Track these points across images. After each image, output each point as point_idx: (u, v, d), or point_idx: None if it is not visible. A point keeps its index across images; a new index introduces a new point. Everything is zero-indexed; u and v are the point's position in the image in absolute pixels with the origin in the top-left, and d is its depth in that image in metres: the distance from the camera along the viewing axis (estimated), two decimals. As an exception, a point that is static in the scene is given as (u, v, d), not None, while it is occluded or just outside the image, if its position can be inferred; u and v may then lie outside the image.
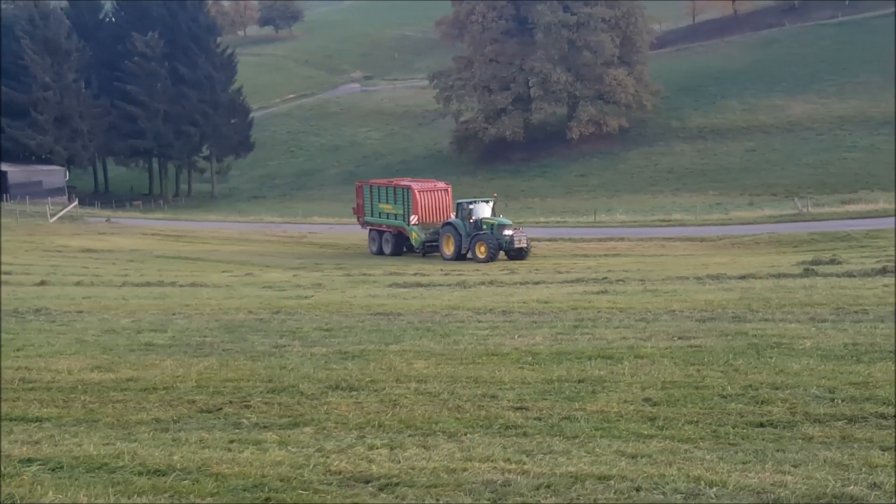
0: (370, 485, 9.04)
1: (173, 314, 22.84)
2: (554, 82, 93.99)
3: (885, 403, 11.17)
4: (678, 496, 8.36)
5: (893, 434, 9.94)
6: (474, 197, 50.81)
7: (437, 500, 8.55)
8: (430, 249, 48.41)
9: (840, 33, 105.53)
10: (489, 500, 8.50)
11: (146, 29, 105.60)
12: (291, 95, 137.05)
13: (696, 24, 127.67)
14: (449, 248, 46.23)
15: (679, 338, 16.44)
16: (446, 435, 10.72)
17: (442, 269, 38.03)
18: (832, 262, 30.80)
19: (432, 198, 49.78)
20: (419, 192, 49.34)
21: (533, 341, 16.75)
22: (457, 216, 46.97)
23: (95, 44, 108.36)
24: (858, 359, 13.79)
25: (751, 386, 12.33)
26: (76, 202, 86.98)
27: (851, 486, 8.37)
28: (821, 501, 8.08)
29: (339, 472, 9.36)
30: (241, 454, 10.13)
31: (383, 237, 50.58)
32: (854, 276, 25.87)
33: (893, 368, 12.98)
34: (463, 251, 45.20)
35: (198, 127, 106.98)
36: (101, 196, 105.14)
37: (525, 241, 44.65)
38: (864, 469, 8.89)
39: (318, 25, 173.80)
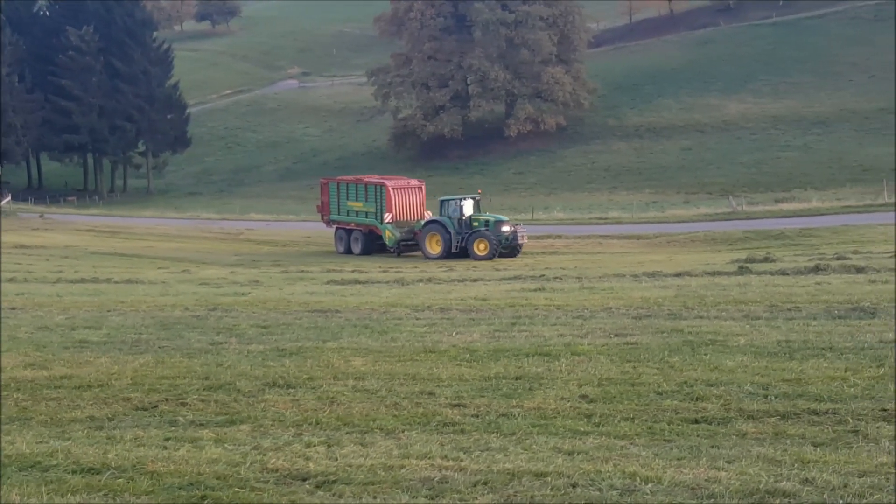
0: (307, 482, 9.00)
1: (108, 311, 22.60)
2: (492, 80, 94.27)
3: (817, 400, 11.33)
4: (614, 492, 8.41)
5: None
6: (452, 195, 49.45)
7: (374, 497, 8.54)
8: (405, 249, 46.99)
9: (774, 34, 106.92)
10: (426, 497, 8.51)
11: (81, 23, 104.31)
12: (228, 91, 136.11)
13: (633, 24, 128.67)
14: (434, 247, 44.58)
15: (615, 335, 16.56)
16: (384, 432, 10.71)
17: (380, 267, 38.01)
18: (766, 260, 31.20)
19: (406, 195, 48.56)
20: (393, 189, 47.96)
21: (471, 338, 16.79)
22: (441, 213, 45.39)
23: (29, 38, 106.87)
24: (791, 356, 13.97)
25: (686, 383, 12.45)
26: (9, 198, 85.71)
27: (784, 482, 8.48)
28: (754, 497, 8.17)
29: (276, 470, 9.32)
30: (177, 452, 10.04)
31: (352, 236, 48.91)
32: (787, 273, 26.22)
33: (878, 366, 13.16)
34: (454, 249, 43.88)
35: (133, 122, 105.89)
36: (35, 192, 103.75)
37: (525, 238, 44.38)
38: (796, 465, 9.01)
39: (256, 21, 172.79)
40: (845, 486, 8.34)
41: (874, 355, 13.66)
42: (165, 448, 10.26)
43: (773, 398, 11.52)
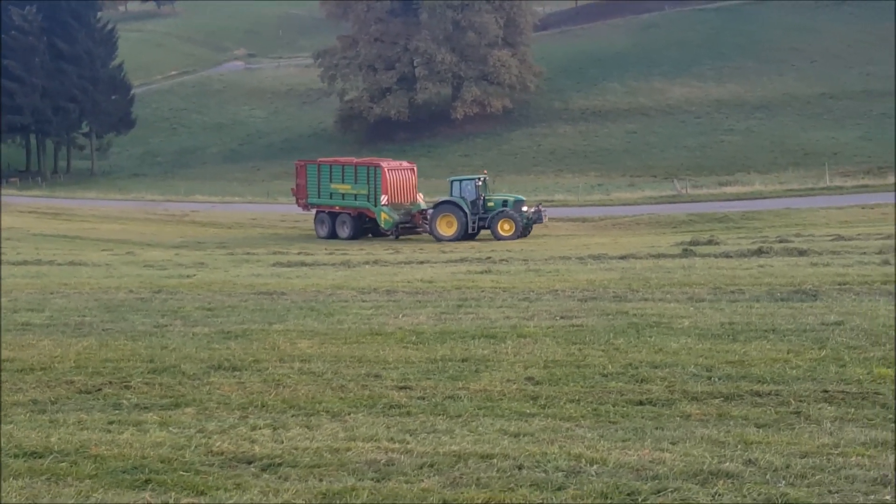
0: (252, 465, 8.97)
1: (51, 293, 22.33)
2: (438, 62, 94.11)
3: (759, 381, 11.45)
4: (559, 474, 8.45)
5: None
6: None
7: (320, 480, 8.52)
8: (403, 231, 46.42)
9: (717, 18, 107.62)
10: (372, 479, 8.50)
11: (24, 3, 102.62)
12: (173, 72, 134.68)
13: (579, 7, 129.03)
14: (448, 229, 44.09)
15: (561, 317, 16.64)
16: (330, 415, 10.69)
17: (326, 249, 37.89)
18: (710, 242, 31.48)
19: (400, 177, 47.66)
20: (388, 170, 47.02)
21: (417, 321, 16.79)
22: (452, 193, 44.93)
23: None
24: (735, 338, 14.11)
25: (631, 364, 12.54)
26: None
27: (727, 463, 8.57)
28: (697, 478, 8.25)
29: (221, 453, 9.27)
30: (121, 435, 9.96)
31: (338, 219, 47.62)
32: (731, 256, 26.48)
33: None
34: (471, 230, 43.79)
35: (77, 103, 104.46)
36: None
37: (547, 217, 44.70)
38: (739, 446, 9.10)
39: (201, 2, 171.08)
40: (787, 466, 8.44)
41: (816, 337, 13.83)
42: (109, 432, 10.17)
43: (716, 380, 11.63)
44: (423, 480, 8.41)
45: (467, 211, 43.82)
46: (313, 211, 49.28)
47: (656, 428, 9.81)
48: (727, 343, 13.76)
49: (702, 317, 16.05)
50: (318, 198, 48.33)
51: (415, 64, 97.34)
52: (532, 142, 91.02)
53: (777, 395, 10.86)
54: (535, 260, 28.63)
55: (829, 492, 7.86)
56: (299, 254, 34.44)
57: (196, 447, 9.49)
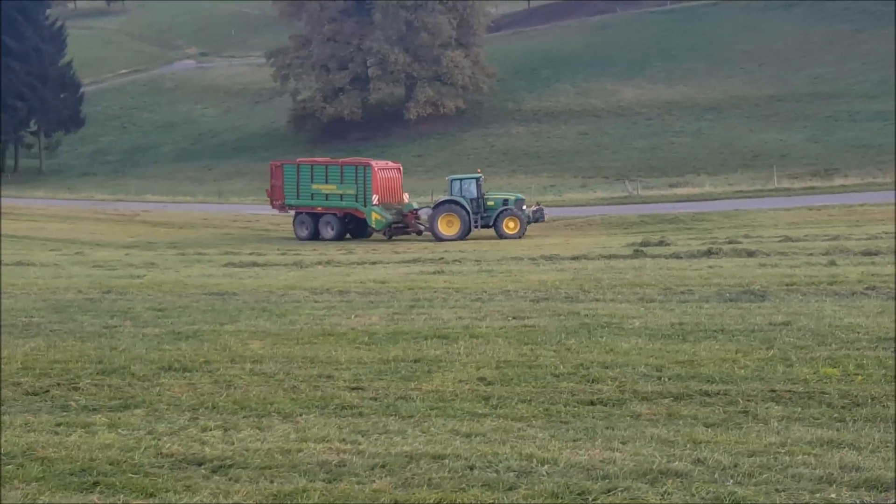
0: (203, 467, 8.93)
1: (-3, 294, 22.09)
2: (392, 63, 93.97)
3: (708, 381, 11.56)
4: (511, 474, 8.49)
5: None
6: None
7: (272, 481, 8.50)
8: (395, 231, 45.94)
9: (668, 21, 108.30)
10: (324, 480, 8.50)
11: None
12: (124, 70, 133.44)
13: (532, 9, 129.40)
14: (449, 228, 43.89)
15: (513, 317, 16.71)
16: (281, 416, 10.67)
17: (279, 249, 37.75)
18: (660, 243, 31.68)
19: (388, 176, 47.15)
20: (379, 169, 46.45)
21: (369, 321, 16.80)
22: (452, 193, 44.83)
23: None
24: (684, 338, 14.24)
25: (582, 365, 12.61)
26: None
27: (677, 462, 8.65)
28: (647, 477, 8.32)
29: (171, 455, 9.23)
30: (69, 438, 9.88)
31: (321, 220, 46.37)
32: (681, 257, 26.69)
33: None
34: (473, 228, 44.09)
35: (25, 101, 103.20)
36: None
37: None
38: (688, 445, 9.19)
39: (152, 0, 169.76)
40: (735, 465, 8.53)
41: (764, 337, 13.99)
42: (57, 433, 10.09)
43: (666, 380, 11.73)
44: (374, 481, 8.42)
45: (469, 210, 44.01)
46: (290, 213, 48.28)
47: (607, 428, 9.88)
48: (677, 343, 13.88)
49: (652, 317, 16.18)
50: (298, 199, 47.13)
51: (368, 64, 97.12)
52: (485, 142, 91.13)
53: (725, 394, 10.98)
54: (487, 260, 28.70)
55: (777, 490, 7.95)
56: (251, 254, 34.29)
57: (145, 449, 9.44)
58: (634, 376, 11.93)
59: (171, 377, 12.65)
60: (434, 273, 25.05)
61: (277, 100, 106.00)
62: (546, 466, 8.63)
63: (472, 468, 8.68)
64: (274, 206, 48.94)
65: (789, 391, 10.98)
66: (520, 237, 42.78)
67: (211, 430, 10.11)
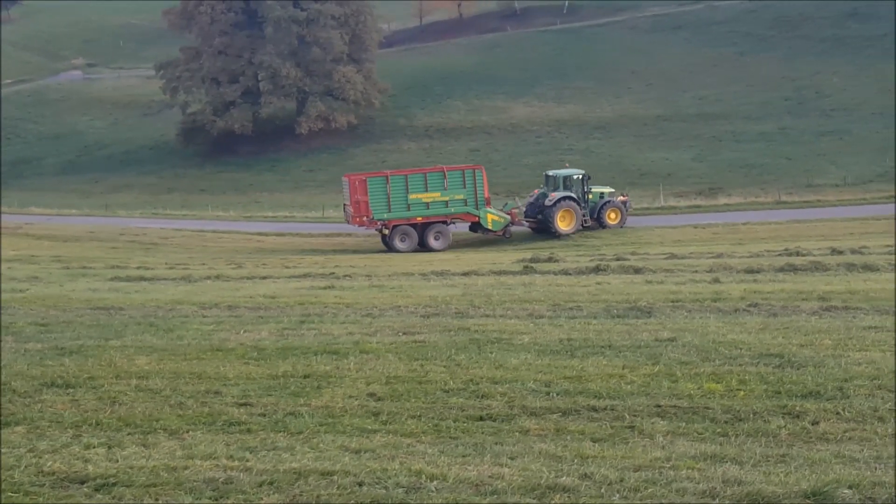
0: (85, 485, 8.76)
1: None
2: (283, 77, 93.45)
3: (596, 396, 11.70)
4: (400, 490, 8.49)
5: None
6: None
7: (157, 499, 8.37)
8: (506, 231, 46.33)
9: (559, 40, 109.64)
10: (210, 498, 8.40)
11: None
12: (8, 81, 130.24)
13: (424, 25, 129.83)
14: (567, 223, 45.05)
15: (404, 333, 16.71)
16: (167, 433, 10.52)
17: (167, 263, 37.18)
18: (550, 259, 32.01)
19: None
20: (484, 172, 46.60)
21: (259, 336, 16.65)
22: (558, 188, 45.84)
23: None
24: (572, 353, 14.39)
25: (472, 380, 12.66)
26: None
27: (564, 477, 8.73)
28: (535, 492, 8.38)
29: (53, 473, 9.03)
30: (-54, 457, 9.60)
31: (428, 230, 44.88)
32: (570, 273, 26.97)
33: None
34: (585, 223, 45.53)
35: None
36: None
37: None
38: (576, 460, 9.28)
39: (39, 9, 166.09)
40: (622, 480, 8.64)
41: (650, 353, 14.20)
42: (-67, 452, 9.79)
43: (555, 395, 11.83)
44: (262, 498, 8.34)
45: (581, 204, 45.71)
46: (367, 228, 46.26)
47: (496, 443, 9.93)
48: (565, 359, 14.02)
49: (541, 333, 16.31)
50: (390, 212, 45.01)
51: (259, 78, 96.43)
52: (377, 157, 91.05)
53: (612, 409, 11.11)
54: (378, 276, 28.67)
55: (661, 504, 8.08)
56: (139, 268, 33.72)
57: (26, 467, 9.22)
58: (523, 392, 12.02)
59: (54, 393, 12.38)
60: (324, 288, 24.95)
61: (167, 112, 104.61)
62: (435, 482, 8.65)
63: (361, 484, 8.65)
64: (357, 223, 46.03)
65: (674, 406, 11.16)
66: (621, 227, 45.55)
67: (94, 447, 9.92)
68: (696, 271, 26.38)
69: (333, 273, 29.90)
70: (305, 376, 13.18)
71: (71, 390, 12.57)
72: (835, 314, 17.42)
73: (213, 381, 12.97)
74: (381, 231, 45.16)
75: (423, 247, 44.68)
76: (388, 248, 44.83)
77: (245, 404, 11.70)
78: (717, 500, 8.15)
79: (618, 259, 30.63)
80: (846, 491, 8.31)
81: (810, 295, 19.93)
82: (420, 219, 45.04)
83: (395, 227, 44.92)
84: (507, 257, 35.47)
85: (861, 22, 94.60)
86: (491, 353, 14.57)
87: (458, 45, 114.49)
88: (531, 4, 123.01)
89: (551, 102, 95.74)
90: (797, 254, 30.02)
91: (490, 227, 45.96)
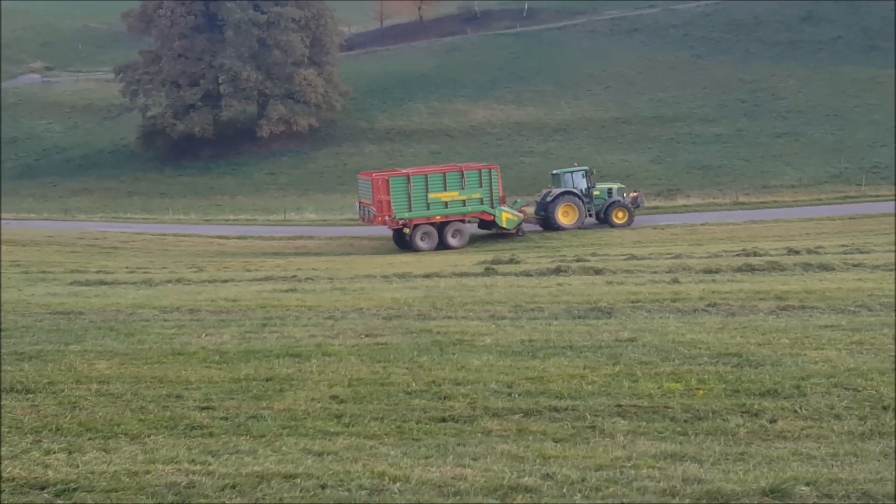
0: (46, 491, 8.72)
1: None
2: (244, 80, 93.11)
3: (557, 397, 11.77)
4: (363, 492, 8.51)
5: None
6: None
7: (119, 504, 8.35)
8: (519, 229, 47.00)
9: (517, 44, 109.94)
10: (172, 502, 8.39)
11: None
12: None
13: (384, 28, 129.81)
14: (566, 218, 46.55)
15: (366, 335, 16.72)
16: (128, 437, 10.48)
17: (127, 267, 36.96)
18: (511, 261, 32.08)
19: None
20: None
21: (220, 340, 16.61)
22: (563, 185, 47.29)
23: None
24: (534, 354, 14.46)
25: (434, 382, 12.70)
26: None
27: (526, 478, 8.78)
28: (497, 493, 8.43)
29: (13, 479, 8.98)
30: None
31: (447, 228, 45.38)
32: (531, 275, 27.03)
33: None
34: (588, 218, 46.62)
35: None
36: None
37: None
38: (538, 461, 9.34)
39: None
40: (583, 480, 8.71)
41: (610, 353, 14.30)
42: None
43: (516, 396, 11.90)
44: (224, 502, 8.34)
45: (583, 200, 46.83)
46: (389, 227, 46.42)
47: (458, 444, 9.98)
48: (527, 360, 14.08)
49: (503, 334, 16.38)
50: (411, 211, 45.16)
51: (220, 81, 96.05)
52: (338, 161, 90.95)
53: (574, 409, 11.19)
54: (340, 278, 28.64)
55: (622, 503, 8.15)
56: (98, 272, 33.48)
57: (-14, 473, 9.16)
58: (485, 393, 12.07)
59: (13, 399, 12.30)
60: (286, 291, 24.89)
61: (126, 116, 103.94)
62: (398, 484, 8.68)
63: (323, 487, 8.67)
64: (378, 223, 46.18)
65: (635, 406, 11.25)
66: (628, 226, 46.09)
67: (55, 452, 9.87)
68: (656, 272, 26.53)
69: (295, 276, 29.83)
70: (267, 379, 13.17)
71: (31, 395, 12.50)
72: (792, 313, 17.59)
73: (175, 385, 12.93)
74: (402, 230, 45.42)
75: (441, 247, 45.20)
76: (401, 247, 45.44)
77: (207, 408, 11.68)
78: (677, 499, 8.24)
79: (578, 260, 30.75)
80: (804, 488, 8.42)
81: (767, 294, 20.11)
82: (439, 217, 45.47)
83: (416, 226, 45.17)
84: (468, 259, 35.53)
85: (814, 25, 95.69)
86: (453, 354, 14.62)
87: (419, 49, 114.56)
88: (491, 6, 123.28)
89: (511, 105, 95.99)
90: (754, 254, 30.27)
91: (505, 226, 46.67)
